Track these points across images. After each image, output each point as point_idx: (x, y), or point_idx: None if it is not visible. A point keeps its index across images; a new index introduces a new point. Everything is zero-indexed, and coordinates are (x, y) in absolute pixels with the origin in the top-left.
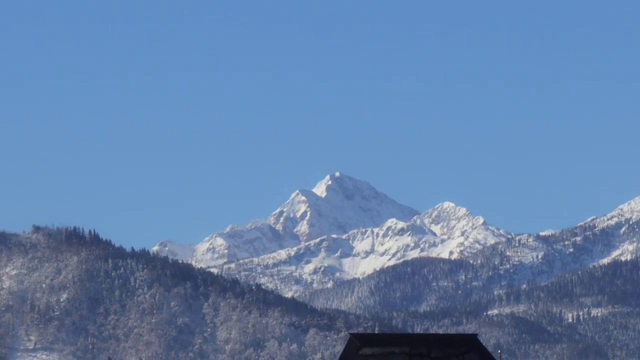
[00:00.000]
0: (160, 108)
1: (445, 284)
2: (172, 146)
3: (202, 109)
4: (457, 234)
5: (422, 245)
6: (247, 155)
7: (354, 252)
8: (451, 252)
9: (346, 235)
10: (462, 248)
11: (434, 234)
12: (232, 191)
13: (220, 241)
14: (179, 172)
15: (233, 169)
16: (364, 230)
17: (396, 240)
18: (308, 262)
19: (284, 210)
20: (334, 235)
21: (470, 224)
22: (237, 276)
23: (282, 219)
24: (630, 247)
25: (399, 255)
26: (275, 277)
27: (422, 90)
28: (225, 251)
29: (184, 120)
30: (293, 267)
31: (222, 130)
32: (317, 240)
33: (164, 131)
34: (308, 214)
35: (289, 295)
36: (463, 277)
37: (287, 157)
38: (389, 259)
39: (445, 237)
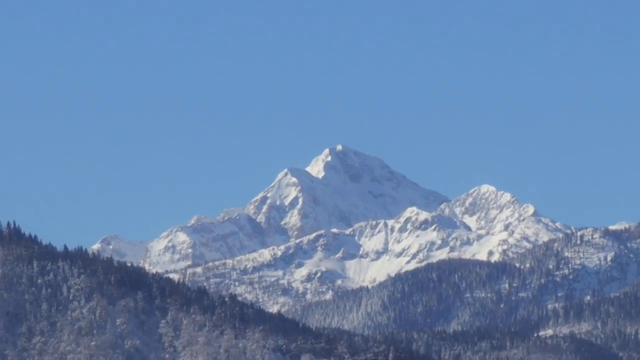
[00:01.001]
0: (104, 69)
1: (483, 294)
2: (119, 114)
3: (160, 66)
4: (498, 228)
5: (452, 243)
6: (219, 125)
7: (361, 252)
8: (491, 253)
9: (351, 229)
10: (505, 247)
11: (468, 228)
12: (199, 171)
13: (182, 237)
14: (129, 148)
15: (200, 143)
16: (374, 222)
17: (417, 236)
18: (300, 265)
19: (268, 196)
20: (335, 230)
21: (517, 215)
22: (205, 284)
23: (264, 208)
24: None
25: (421, 256)
26: (256, 286)
27: (452, 44)
28: (190, 250)
29: (136, 82)
30: (280, 272)
31: (187, 93)
32: (312, 236)
33: (109, 96)
34: (300, 200)
35: (274, 309)
36: (507, 285)
37: (272, 126)
38: (408, 262)
39: (482, 232)
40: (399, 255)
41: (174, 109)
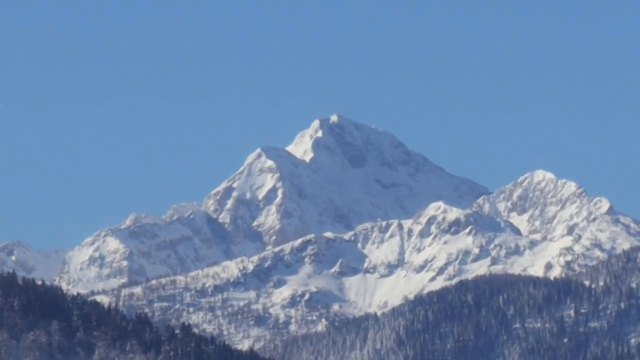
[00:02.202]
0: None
1: (539, 324)
2: (31, 81)
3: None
4: (559, 232)
5: (494, 253)
6: (164, 91)
7: (366, 264)
8: (549, 266)
9: (351, 233)
10: (569, 257)
11: (517, 232)
12: (136, 154)
13: (114, 244)
14: (41, 126)
15: (136, 115)
16: (384, 223)
17: (445, 242)
18: (280, 283)
19: (234, 186)
20: (328, 234)
21: (585, 213)
22: (147, 310)
23: (229, 203)
24: None
25: (450, 270)
26: (219, 313)
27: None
28: (124, 263)
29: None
30: (252, 294)
31: (125, 54)
32: (298, 242)
33: (26, 78)
34: (279, 193)
35: (244, 346)
36: (572, 312)
37: (239, 91)
38: (433, 278)
39: (537, 236)
40: (420, 269)
41: (101, 66)
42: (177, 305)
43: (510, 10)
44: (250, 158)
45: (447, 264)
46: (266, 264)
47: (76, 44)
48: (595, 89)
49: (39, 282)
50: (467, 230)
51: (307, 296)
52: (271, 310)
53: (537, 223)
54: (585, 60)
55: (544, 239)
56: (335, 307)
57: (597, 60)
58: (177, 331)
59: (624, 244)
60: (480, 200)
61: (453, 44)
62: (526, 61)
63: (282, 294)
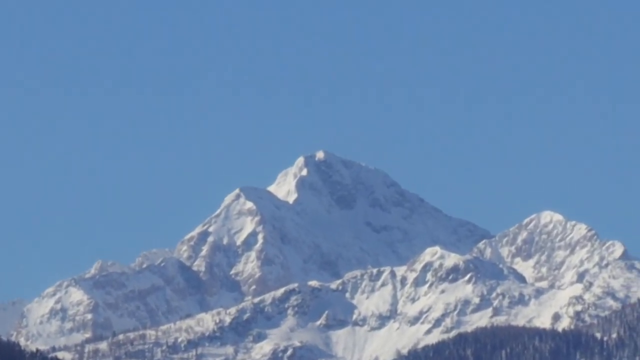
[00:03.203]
0: None
1: None
2: None
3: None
4: (568, 279)
5: (496, 303)
6: (136, 124)
7: (355, 316)
8: (557, 317)
9: (339, 281)
10: (579, 307)
11: (521, 279)
12: (103, 195)
13: (77, 295)
14: None
15: (106, 152)
16: (375, 271)
17: (443, 291)
18: (261, 337)
19: (210, 230)
20: (314, 283)
21: (596, 258)
22: None
23: (204, 250)
24: None
25: (448, 322)
26: None
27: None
28: (89, 316)
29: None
30: (230, 349)
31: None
32: (280, 292)
33: None
34: (260, 237)
35: None
36: None
37: (216, 125)
38: (429, 331)
39: (544, 284)
40: (415, 321)
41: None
42: None
43: (511, 34)
44: (228, 199)
45: (444, 315)
46: (245, 316)
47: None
48: (606, 122)
49: None
50: (467, 277)
51: (290, 351)
52: None
53: (544, 269)
54: (596, 92)
55: (552, 287)
56: None
57: (607, 92)
58: None
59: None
60: (481, 245)
61: (451, 75)
62: (531, 93)
63: (262, 349)
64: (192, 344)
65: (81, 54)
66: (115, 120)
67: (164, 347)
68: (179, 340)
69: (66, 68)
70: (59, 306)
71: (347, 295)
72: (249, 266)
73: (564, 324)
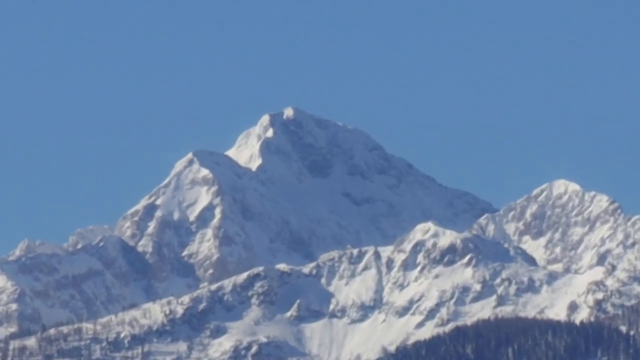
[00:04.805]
0: None
1: None
2: None
3: None
4: (587, 260)
5: (501, 289)
6: (73, 81)
7: (332, 306)
8: (574, 307)
9: (313, 264)
10: (600, 295)
11: (531, 261)
12: (31, 162)
13: (0, 280)
14: None
15: (38, 110)
16: (355, 251)
17: (436, 276)
18: (220, 331)
19: (157, 203)
20: (282, 266)
21: (621, 236)
22: None
23: (151, 226)
24: None
25: (444, 313)
26: None
27: None
28: (13, 306)
29: None
30: (183, 346)
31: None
32: (242, 277)
33: None
34: (217, 211)
35: None
36: None
37: (164, 79)
38: (420, 324)
39: (558, 267)
40: (404, 312)
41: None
42: None
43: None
44: (179, 166)
45: (439, 305)
46: (201, 307)
47: None
48: (631, 74)
49: None
50: (466, 259)
51: (254, 348)
52: None
53: (558, 250)
54: (620, 39)
55: (567, 270)
56: None
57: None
58: None
59: None
60: (482, 220)
61: (447, 18)
62: (540, 36)
63: (221, 346)
64: (137, 340)
65: None
66: (53, 68)
67: (104, 344)
68: (122, 335)
69: None
70: None
71: (323, 281)
72: (204, 246)
73: (583, 315)
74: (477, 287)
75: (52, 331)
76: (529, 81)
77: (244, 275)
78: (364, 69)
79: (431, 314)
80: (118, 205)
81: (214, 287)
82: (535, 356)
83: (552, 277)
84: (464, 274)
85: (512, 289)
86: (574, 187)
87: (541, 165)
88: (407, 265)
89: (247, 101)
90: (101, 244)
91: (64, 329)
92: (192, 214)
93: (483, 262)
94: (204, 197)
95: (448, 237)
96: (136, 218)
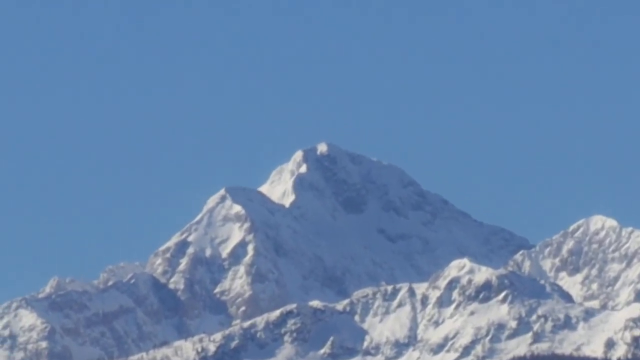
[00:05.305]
0: None
1: None
2: None
3: None
4: (625, 297)
5: (537, 326)
6: (102, 115)
7: (366, 343)
8: (611, 344)
9: (347, 301)
10: (638, 331)
11: (568, 298)
12: (60, 198)
13: (29, 318)
14: None
15: (66, 148)
16: (390, 288)
17: (472, 313)
18: None
19: (190, 239)
20: (316, 303)
21: None
22: None
23: (183, 263)
24: None
25: (479, 350)
26: None
27: None
28: (43, 344)
29: None
30: None
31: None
32: (275, 314)
33: None
34: (250, 248)
35: None
36: None
37: (196, 114)
38: None
39: (595, 303)
40: (439, 349)
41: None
42: None
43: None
44: (211, 202)
45: (474, 342)
46: (233, 344)
47: None
48: None
49: None
50: (501, 296)
51: None
52: None
53: (595, 286)
54: None
55: (604, 307)
56: None
57: None
58: None
59: None
60: (518, 257)
61: (482, 55)
62: (576, 70)
63: None
64: None
65: None
66: (79, 107)
67: None
68: None
69: None
70: (6, 332)
71: (357, 318)
72: (237, 283)
73: (620, 352)
74: (513, 324)
75: None
76: (564, 116)
77: (277, 312)
78: (399, 103)
79: (466, 351)
80: (149, 242)
81: (246, 324)
82: None
83: (588, 314)
84: (500, 310)
85: (549, 325)
86: (611, 222)
87: (578, 200)
88: (442, 302)
89: (280, 136)
90: (132, 281)
91: None
92: (225, 251)
93: (519, 298)
94: (236, 233)
95: (484, 274)
96: (168, 255)
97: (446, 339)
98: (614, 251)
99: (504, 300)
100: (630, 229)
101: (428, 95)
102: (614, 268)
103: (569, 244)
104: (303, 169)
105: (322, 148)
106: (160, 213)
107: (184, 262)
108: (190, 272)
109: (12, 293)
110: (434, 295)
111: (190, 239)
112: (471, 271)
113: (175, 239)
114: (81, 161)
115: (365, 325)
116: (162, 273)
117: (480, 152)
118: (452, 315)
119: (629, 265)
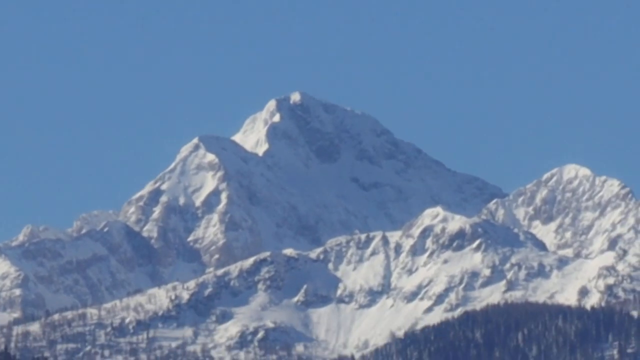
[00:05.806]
0: None
1: None
2: None
3: None
4: (598, 245)
5: (511, 274)
6: (77, 65)
7: (339, 292)
8: (584, 292)
9: (320, 249)
10: (611, 280)
11: (541, 246)
12: (34, 148)
13: (2, 266)
14: None
15: (40, 97)
16: (363, 237)
17: (445, 261)
18: (225, 317)
19: (163, 187)
20: (289, 251)
21: (632, 221)
22: (46, 353)
23: (157, 211)
24: None
25: (453, 298)
26: (144, 357)
27: None
28: (17, 292)
29: None
30: (188, 331)
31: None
32: (249, 262)
33: None
34: (223, 196)
35: None
36: (615, 351)
37: (169, 64)
38: (429, 309)
39: (568, 252)
40: (412, 297)
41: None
42: (88, 347)
43: None
44: (185, 151)
45: (447, 290)
46: (206, 292)
47: None
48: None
49: None
50: (475, 244)
51: (261, 334)
52: (213, 353)
53: (568, 235)
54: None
55: (578, 255)
56: (299, 348)
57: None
58: None
59: None
60: (491, 205)
61: (457, 4)
62: (552, 21)
63: (227, 331)
64: (142, 325)
65: None
66: (56, 55)
67: (109, 329)
68: (127, 320)
69: None
70: None
71: (330, 266)
72: (210, 231)
73: (593, 300)
74: (487, 272)
75: (56, 317)
76: (539, 66)
77: (251, 260)
78: (372, 53)
79: (440, 299)
80: (123, 190)
81: (220, 272)
82: (546, 341)
83: (562, 262)
84: (473, 259)
85: (522, 274)
86: (584, 171)
87: (551, 149)
88: (416, 251)
89: (254, 86)
90: (106, 229)
91: (68, 315)
92: (198, 199)
93: (492, 247)
94: (209, 182)
95: (457, 222)
96: (141, 203)
97: (420, 287)
98: (587, 200)
99: (477, 249)
100: (603, 177)
101: (401, 45)
102: (588, 216)
103: (543, 192)
104: (276, 118)
105: (295, 97)
106: (133, 161)
107: (157, 211)
108: (164, 220)
109: None
110: (408, 243)
111: (163, 187)
112: (445, 220)
113: (148, 188)
114: (55, 111)
115: (338, 273)
116: (136, 221)
117: (454, 101)
118: (425, 264)
119: (602, 213)
